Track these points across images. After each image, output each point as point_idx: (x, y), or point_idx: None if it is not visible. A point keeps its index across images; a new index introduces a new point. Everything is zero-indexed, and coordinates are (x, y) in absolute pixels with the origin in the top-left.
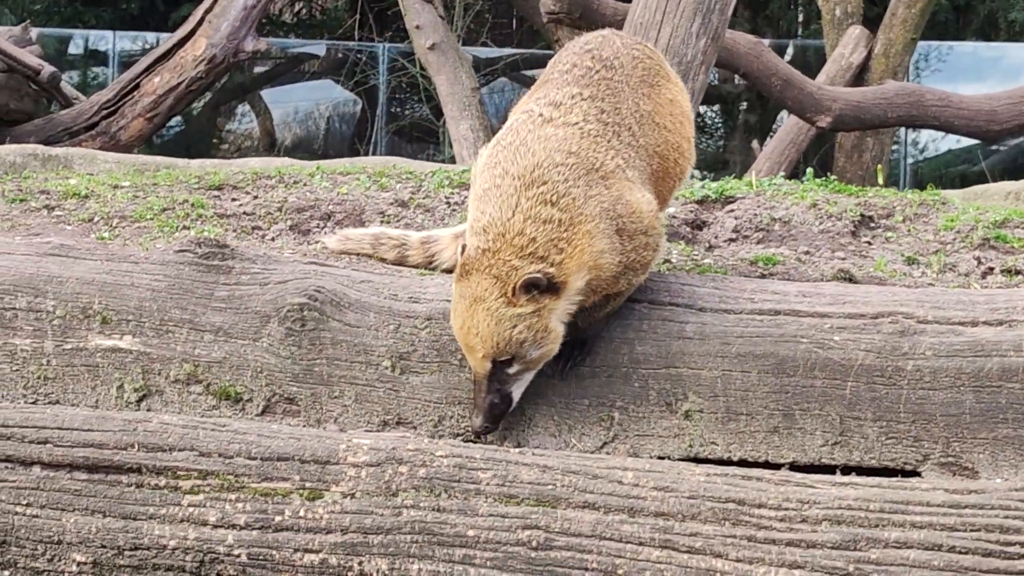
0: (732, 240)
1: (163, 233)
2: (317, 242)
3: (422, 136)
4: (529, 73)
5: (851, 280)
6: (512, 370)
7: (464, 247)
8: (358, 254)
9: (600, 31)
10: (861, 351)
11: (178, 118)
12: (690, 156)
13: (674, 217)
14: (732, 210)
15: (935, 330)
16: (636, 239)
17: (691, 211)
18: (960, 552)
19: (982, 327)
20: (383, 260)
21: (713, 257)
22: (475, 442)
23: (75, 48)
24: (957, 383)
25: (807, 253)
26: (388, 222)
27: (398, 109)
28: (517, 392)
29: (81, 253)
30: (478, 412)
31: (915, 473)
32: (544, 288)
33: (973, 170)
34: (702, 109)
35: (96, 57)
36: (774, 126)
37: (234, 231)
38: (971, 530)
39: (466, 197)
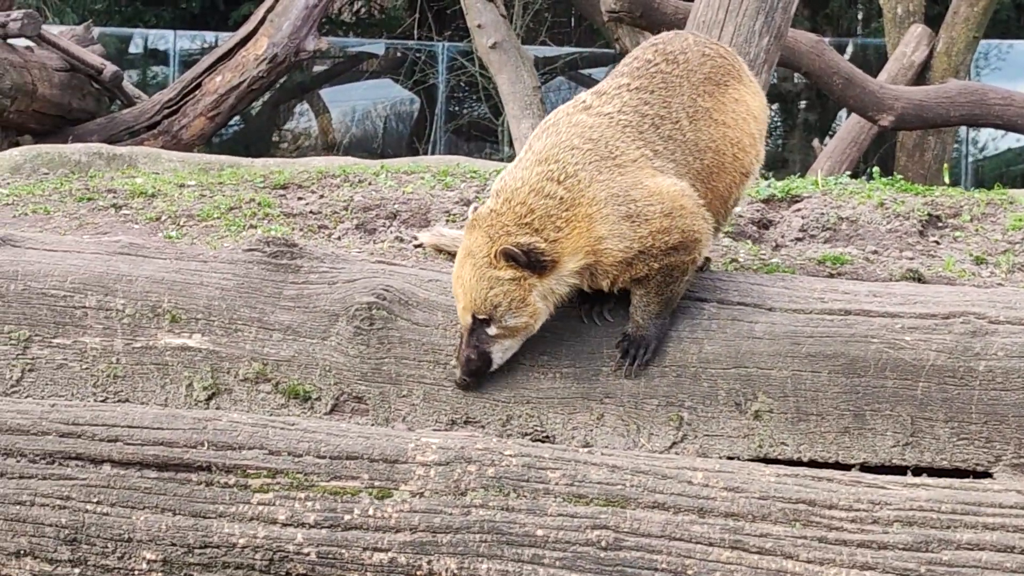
0: (799, 239)
1: (230, 232)
2: (413, 239)
3: (480, 135)
4: (587, 72)
5: (920, 280)
6: (491, 331)
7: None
8: (451, 252)
9: (679, 31)
10: (932, 351)
11: (237, 117)
12: (753, 152)
13: (740, 216)
14: (798, 209)
15: (1007, 330)
16: (653, 223)
17: (757, 210)
18: None
19: None
20: None
21: (780, 256)
22: (542, 442)
23: (135, 48)
24: None
25: (875, 253)
26: (454, 220)
27: (456, 108)
28: (498, 356)
29: (150, 252)
30: (458, 363)
31: (987, 474)
32: (522, 263)
33: None
34: None
35: (156, 56)
36: (834, 125)
37: (300, 230)
38: None
39: None
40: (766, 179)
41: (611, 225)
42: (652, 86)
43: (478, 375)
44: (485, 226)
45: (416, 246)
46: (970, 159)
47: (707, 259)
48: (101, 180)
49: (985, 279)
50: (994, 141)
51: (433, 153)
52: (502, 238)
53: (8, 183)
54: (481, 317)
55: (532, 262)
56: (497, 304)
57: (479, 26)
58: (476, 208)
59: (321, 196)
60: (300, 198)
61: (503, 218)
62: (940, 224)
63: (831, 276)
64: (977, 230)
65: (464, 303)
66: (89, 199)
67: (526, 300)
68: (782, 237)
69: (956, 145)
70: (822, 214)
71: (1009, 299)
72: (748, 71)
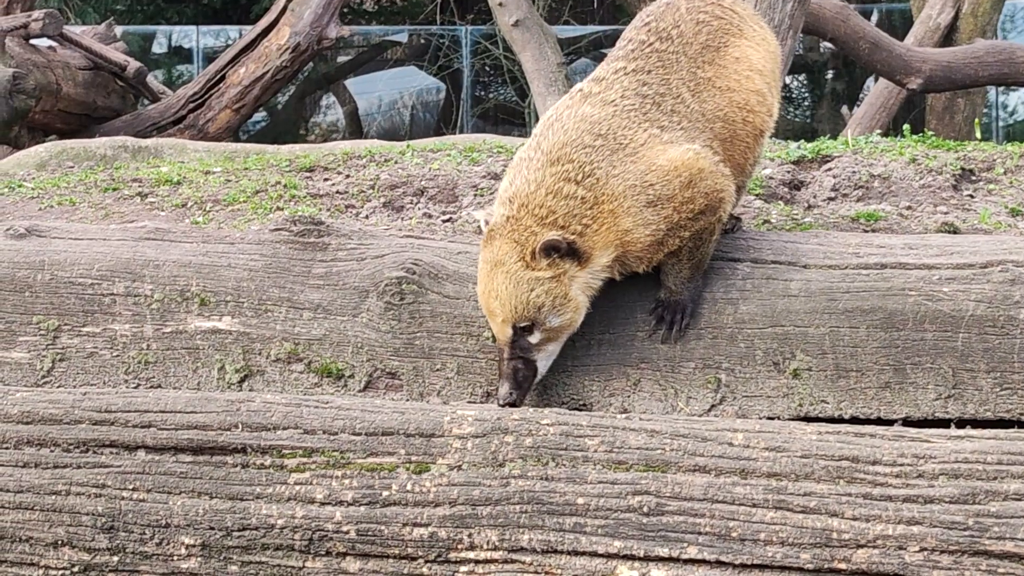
0: (831, 199)
1: (257, 215)
2: (462, 215)
3: (507, 117)
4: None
5: (955, 233)
6: (534, 338)
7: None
8: None
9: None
10: (971, 302)
11: (263, 112)
12: (763, 109)
13: (771, 178)
14: (830, 168)
15: None
16: (676, 199)
17: (788, 171)
18: None
19: None
20: None
21: (813, 216)
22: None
23: (159, 46)
24: None
25: (909, 208)
26: (481, 195)
27: (482, 92)
28: (543, 363)
29: (176, 236)
30: (503, 380)
31: None
32: (564, 252)
33: None
34: (788, 79)
35: (180, 53)
36: (861, 94)
37: (328, 210)
38: None
39: None
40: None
41: (635, 216)
42: (649, 66)
43: (525, 388)
44: (507, 233)
45: (470, 222)
46: (1000, 123)
47: (738, 219)
48: (126, 171)
49: (1022, 230)
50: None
51: None
52: (531, 239)
53: (34, 178)
54: (523, 325)
55: (573, 250)
56: (541, 305)
57: (500, 4)
58: (486, 222)
59: (347, 176)
60: (326, 179)
61: (523, 222)
62: (974, 178)
63: (866, 233)
64: (1012, 183)
65: (503, 315)
66: (115, 189)
67: (568, 295)
68: (814, 197)
69: (986, 109)
70: (854, 172)
71: None
72: (752, 20)
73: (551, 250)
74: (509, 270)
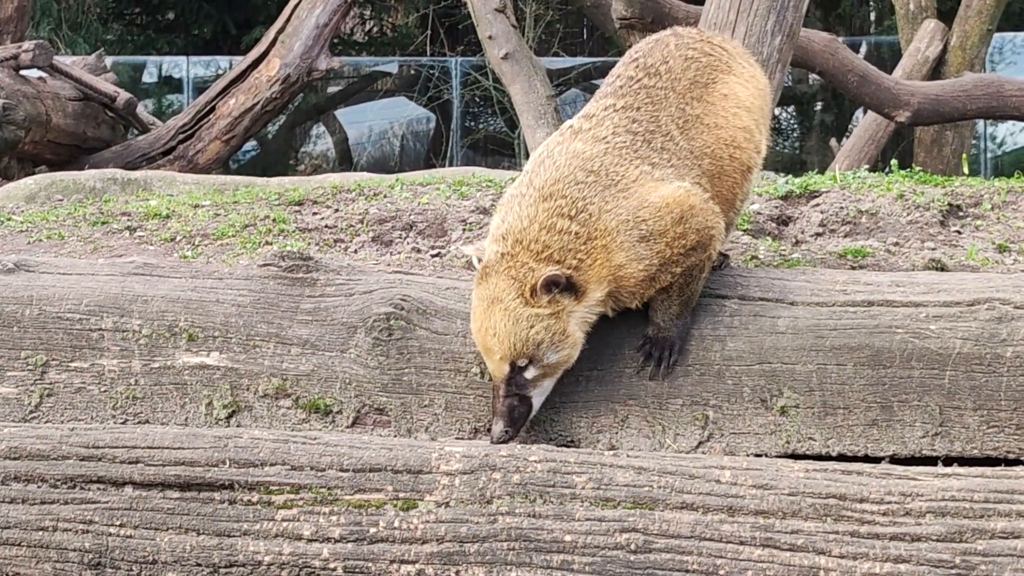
0: (819, 234)
1: (246, 249)
2: (451, 249)
3: (497, 149)
4: (601, 82)
5: (942, 269)
6: (530, 374)
7: (479, 256)
8: None
9: (662, 32)
10: (958, 339)
11: (254, 141)
12: (750, 146)
13: (759, 213)
14: (817, 204)
15: None
16: (667, 234)
17: (775, 207)
18: None
19: None
20: None
21: (801, 252)
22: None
23: (149, 76)
24: None
25: (896, 244)
26: (470, 230)
27: (472, 123)
28: (537, 399)
29: (165, 271)
30: (497, 418)
31: (1018, 462)
32: (563, 287)
33: None
34: (777, 111)
35: (171, 84)
36: (850, 126)
37: (316, 244)
38: None
39: None
40: (784, 178)
41: (628, 251)
42: (638, 103)
43: (519, 426)
44: (502, 271)
45: (460, 258)
46: (989, 155)
47: (725, 256)
48: (115, 204)
49: (1009, 267)
50: (1012, 136)
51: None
52: (529, 275)
53: (22, 211)
54: (521, 363)
55: (571, 285)
56: (540, 342)
57: (490, 37)
58: (479, 259)
59: (336, 210)
60: (315, 213)
61: (519, 258)
62: (961, 214)
63: (853, 269)
64: (999, 218)
65: (501, 352)
66: (103, 223)
67: (566, 331)
68: (802, 232)
69: (974, 141)
70: (841, 208)
71: None
72: (741, 56)
73: (551, 285)
74: (507, 307)
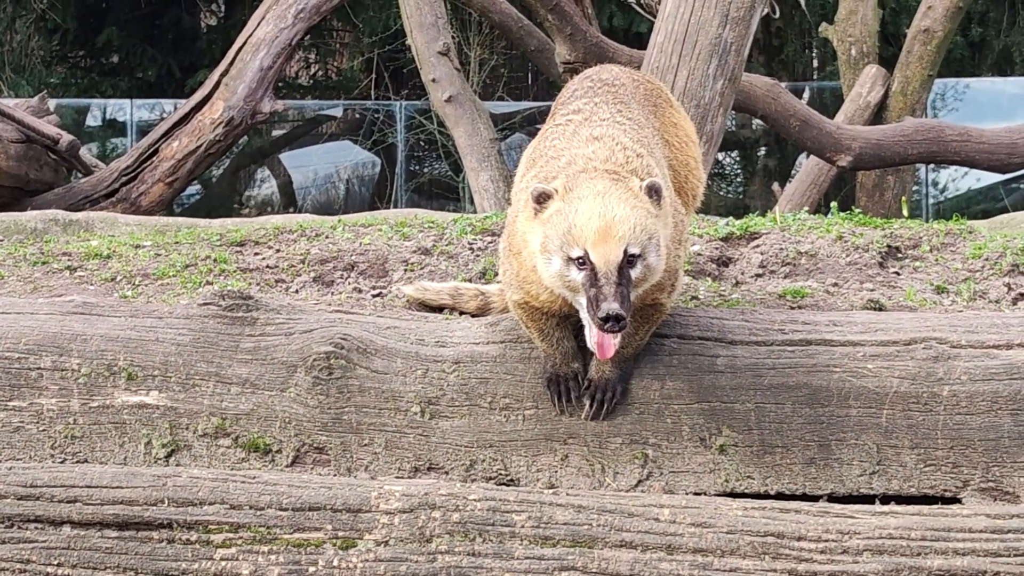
0: (759, 275)
1: (186, 289)
2: (392, 290)
3: (442, 192)
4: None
5: (881, 310)
6: (634, 273)
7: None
8: (438, 305)
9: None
10: (895, 378)
11: (198, 185)
12: (696, 175)
13: (699, 255)
14: (757, 245)
15: (969, 354)
16: (695, 203)
17: (716, 248)
18: None
19: (1017, 349)
20: (463, 311)
21: (741, 292)
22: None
23: (93, 119)
24: (994, 407)
25: (835, 285)
26: (412, 270)
27: (417, 167)
28: (628, 315)
29: (104, 310)
30: (611, 299)
31: (955, 500)
32: (657, 201)
33: (996, 207)
34: (720, 156)
35: (114, 127)
36: (793, 171)
37: (258, 284)
38: (1015, 555)
39: (490, 243)
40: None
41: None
42: (611, 100)
43: (625, 324)
44: (600, 175)
45: (399, 298)
46: (931, 200)
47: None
48: (56, 244)
49: (947, 308)
50: (954, 182)
51: None
52: (630, 179)
53: None
54: (634, 250)
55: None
56: (653, 233)
57: (434, 80)
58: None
59: (278, 251)
60: (257, 253)
61: (608, 165)
62: (900, 255)
63: (792, 309)
64: (937, 260)
65: (621, 232)
66: (44, 262)
67: (661, 241)
68: (742, 274)
69: (916, 187)
70: (781, 249)
71: (970, 323)
72: (675, 99)
73: (653, 191)
74: (622, 196)
